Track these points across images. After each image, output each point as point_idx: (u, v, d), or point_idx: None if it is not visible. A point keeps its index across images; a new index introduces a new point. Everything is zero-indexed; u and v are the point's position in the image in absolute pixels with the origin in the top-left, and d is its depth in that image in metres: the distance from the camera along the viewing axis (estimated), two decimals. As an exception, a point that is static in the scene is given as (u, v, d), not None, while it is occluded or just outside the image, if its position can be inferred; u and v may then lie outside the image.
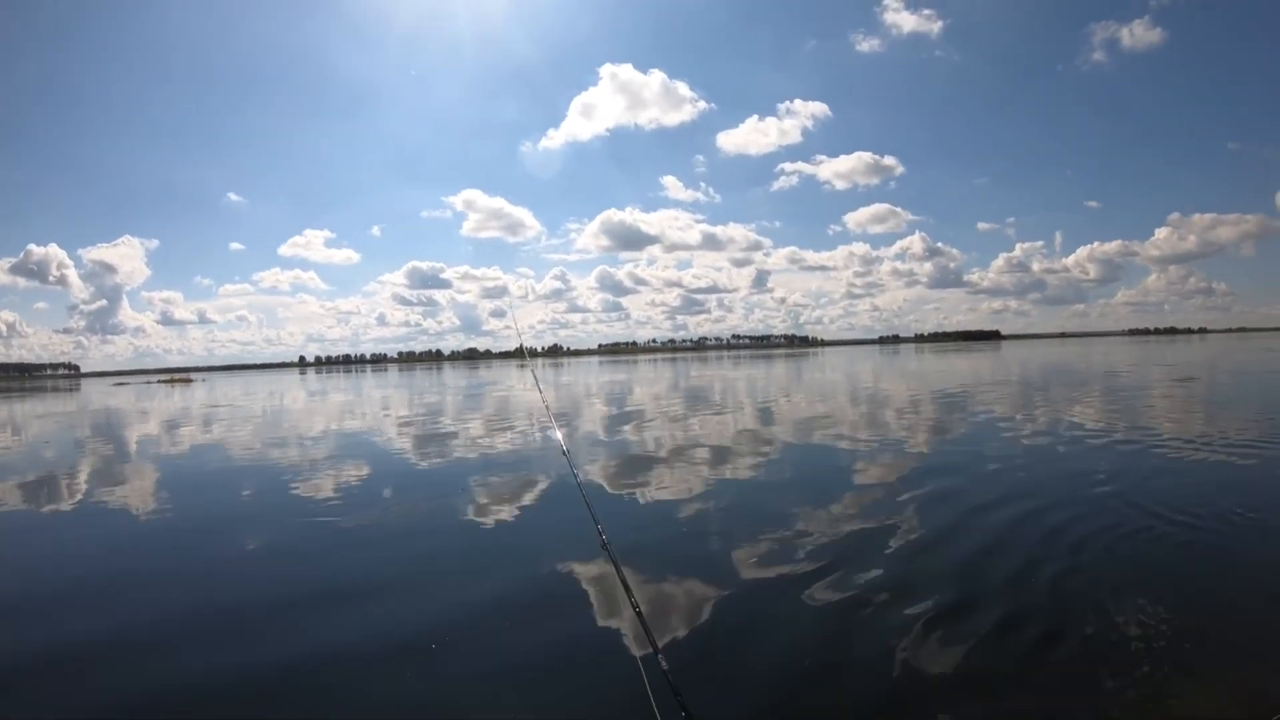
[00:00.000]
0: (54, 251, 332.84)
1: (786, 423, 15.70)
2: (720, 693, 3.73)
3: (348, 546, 6.92)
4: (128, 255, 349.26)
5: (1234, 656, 3.90)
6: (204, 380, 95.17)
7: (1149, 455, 9.82)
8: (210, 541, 7.44)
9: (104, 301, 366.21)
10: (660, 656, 2.66)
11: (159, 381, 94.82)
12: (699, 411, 19.11)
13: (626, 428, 15.90)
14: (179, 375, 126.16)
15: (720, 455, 11.33)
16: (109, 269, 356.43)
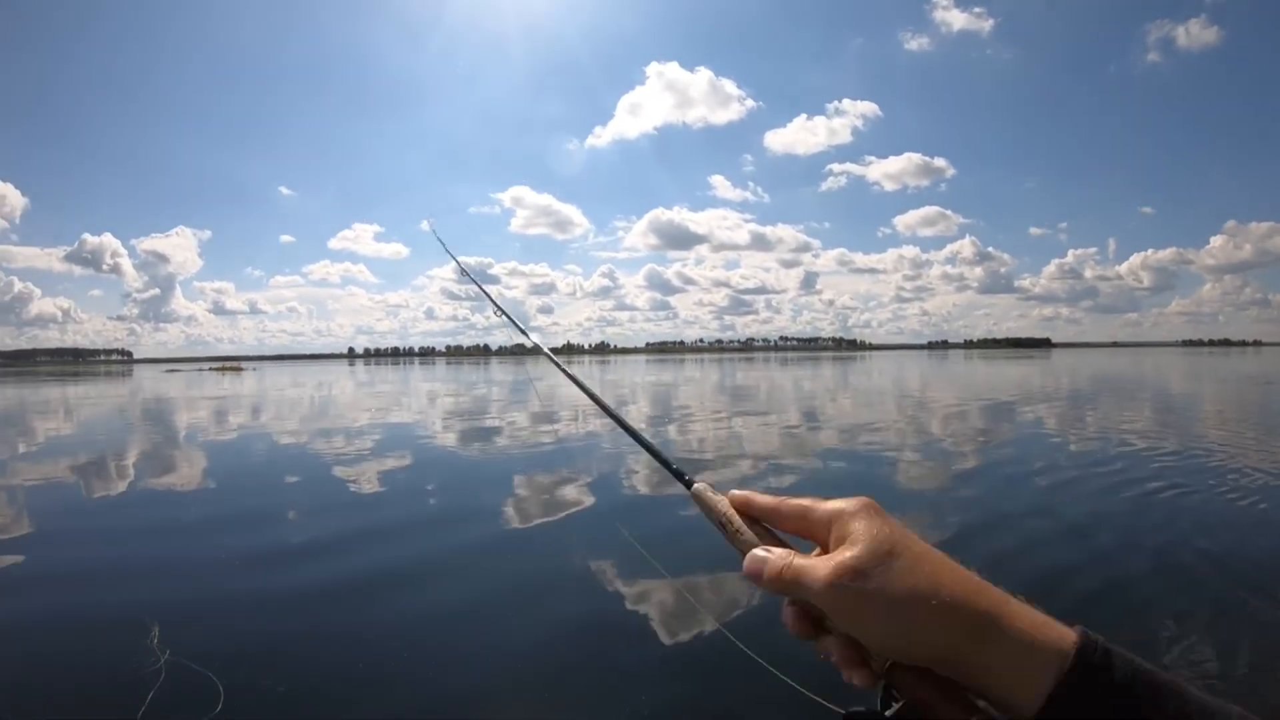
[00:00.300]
0: (108, 240, 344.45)
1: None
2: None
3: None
4: (181, 245, 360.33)
5: None
6: (254, 369, 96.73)
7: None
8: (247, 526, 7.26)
9: (157, 290, 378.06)
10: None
11: (210, 369, 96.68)
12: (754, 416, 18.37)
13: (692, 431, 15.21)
14: (230, 364, 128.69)
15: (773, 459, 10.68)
16: (162, 259, 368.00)
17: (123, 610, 4.79)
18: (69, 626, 4.64)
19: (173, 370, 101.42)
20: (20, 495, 9.20)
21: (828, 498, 0.65)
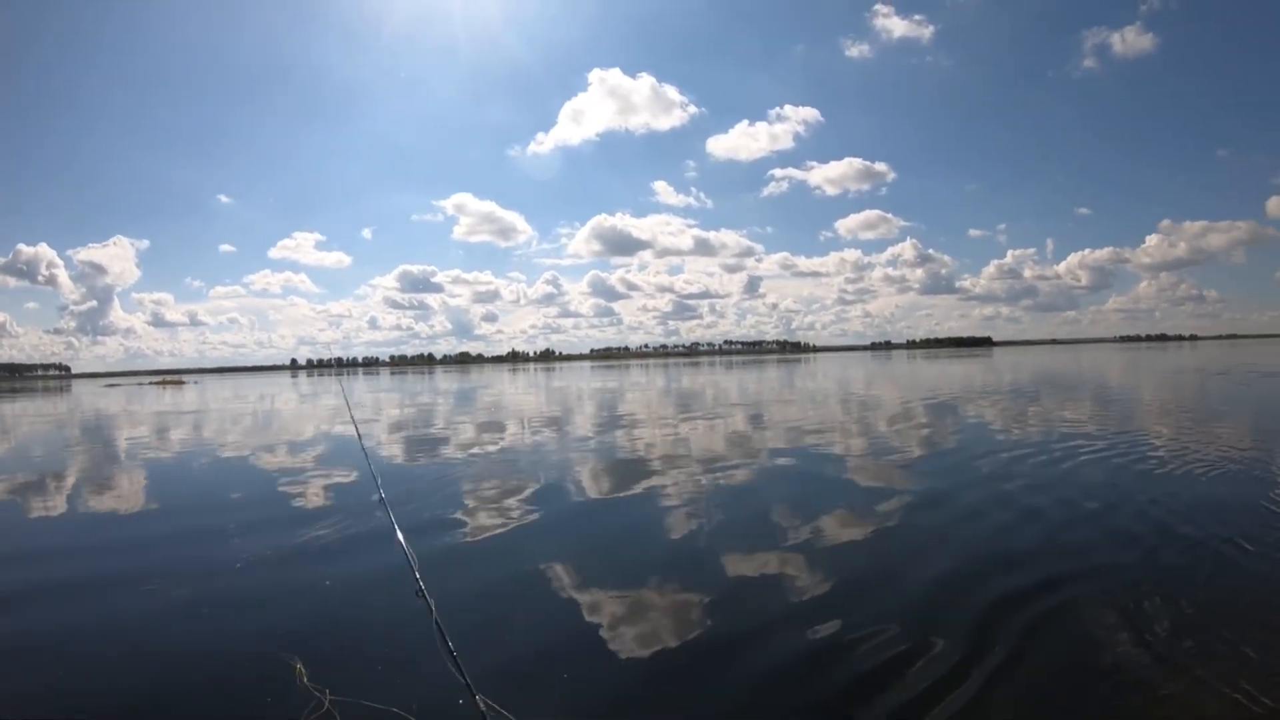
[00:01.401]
0: (44, 251, 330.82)
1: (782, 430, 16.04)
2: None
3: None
4: (118, 256, 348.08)
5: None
6: (196, 382, 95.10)
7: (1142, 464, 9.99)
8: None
9: (94, 302, 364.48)
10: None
11: (151, 383, 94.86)
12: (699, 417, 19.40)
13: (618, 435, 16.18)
14: (170, 377, 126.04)
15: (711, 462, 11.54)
16: (100, 269, 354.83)
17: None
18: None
19: (112, 385, 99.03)
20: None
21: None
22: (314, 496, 9.53)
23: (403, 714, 3.55)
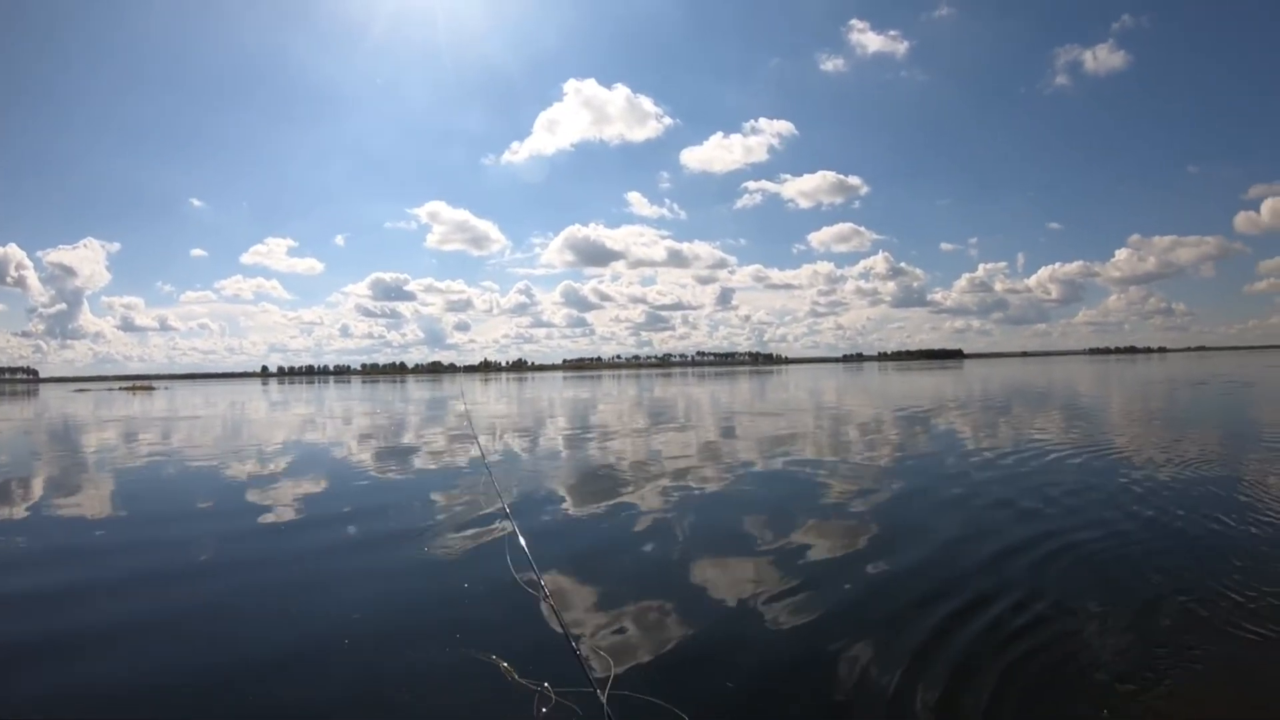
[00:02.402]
0: (13, 252, 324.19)
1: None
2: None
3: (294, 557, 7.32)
4: (88, 258, 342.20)
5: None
6: (166, 388, 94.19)
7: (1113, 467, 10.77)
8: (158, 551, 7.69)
9: (64, 305, 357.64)
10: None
11: (120, 389, 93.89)
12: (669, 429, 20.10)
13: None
14: (140, 383, 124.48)
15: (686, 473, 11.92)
16: (69, 272, 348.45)
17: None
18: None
19: (82, 390, 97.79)
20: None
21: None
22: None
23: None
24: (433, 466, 13.33)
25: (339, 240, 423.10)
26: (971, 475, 10.56)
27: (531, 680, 4.01)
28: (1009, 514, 7.92)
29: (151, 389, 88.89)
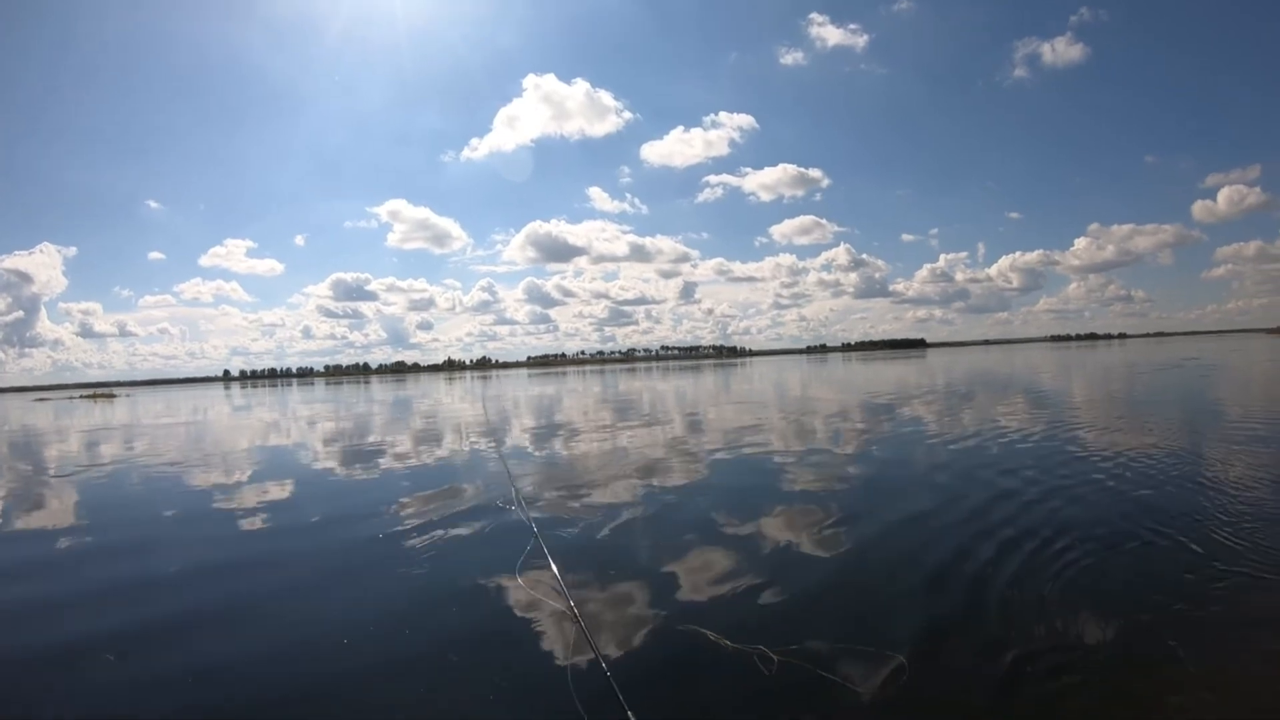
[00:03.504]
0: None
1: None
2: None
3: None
4: (45, 264, 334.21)
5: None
6: (128, 395, 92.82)
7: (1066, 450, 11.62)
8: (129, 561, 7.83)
9: (21, 313, 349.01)
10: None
11: (81, 397, 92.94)
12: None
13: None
14: (101, 391, 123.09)
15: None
16: (26, 278, 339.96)
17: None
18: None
19: (41, 399, 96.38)
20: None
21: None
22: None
23: None
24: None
25: (299, 240, 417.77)
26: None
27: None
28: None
29: (113, 396, 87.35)
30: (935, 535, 6.99)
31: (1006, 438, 13.36)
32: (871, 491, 9.47)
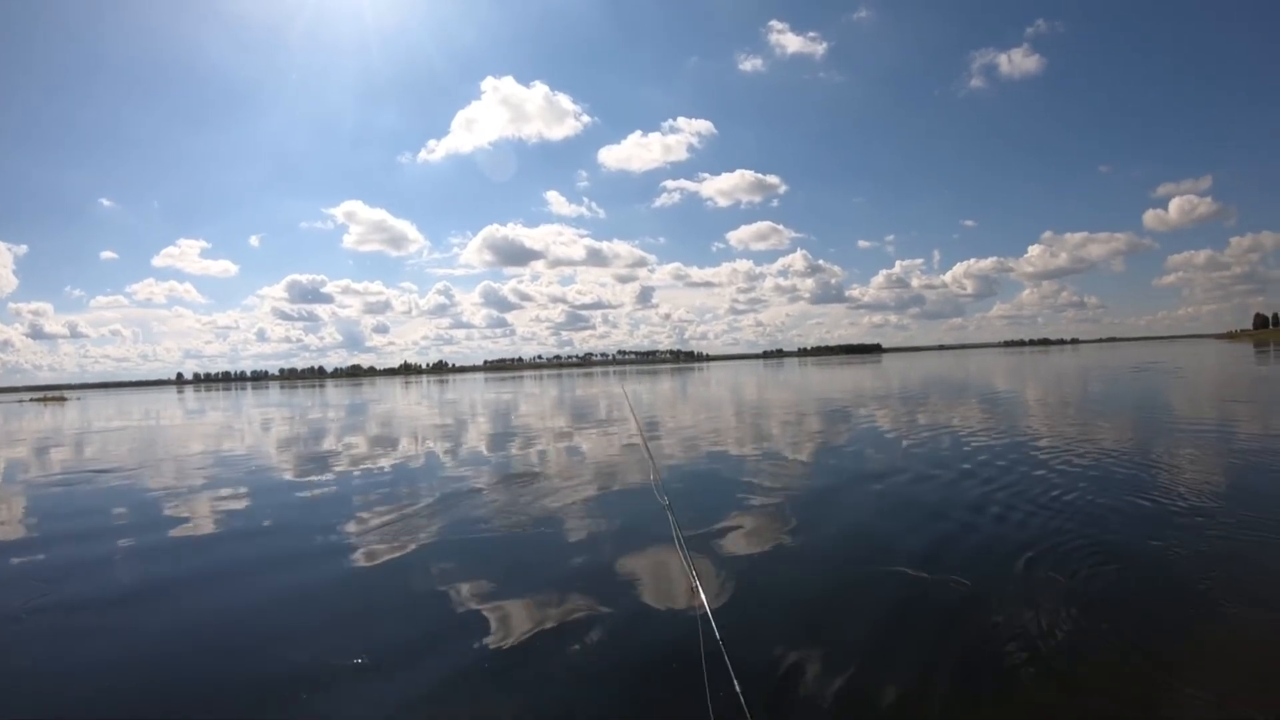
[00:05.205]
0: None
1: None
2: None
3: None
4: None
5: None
6: (79, 399, 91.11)
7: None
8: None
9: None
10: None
11: (31, 400, 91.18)
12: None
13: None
14: (52, 394, 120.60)
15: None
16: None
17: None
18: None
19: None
20: None
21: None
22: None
23: None
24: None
25: (254, 241, 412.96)
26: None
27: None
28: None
29: (64, 400, 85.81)
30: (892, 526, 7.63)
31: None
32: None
